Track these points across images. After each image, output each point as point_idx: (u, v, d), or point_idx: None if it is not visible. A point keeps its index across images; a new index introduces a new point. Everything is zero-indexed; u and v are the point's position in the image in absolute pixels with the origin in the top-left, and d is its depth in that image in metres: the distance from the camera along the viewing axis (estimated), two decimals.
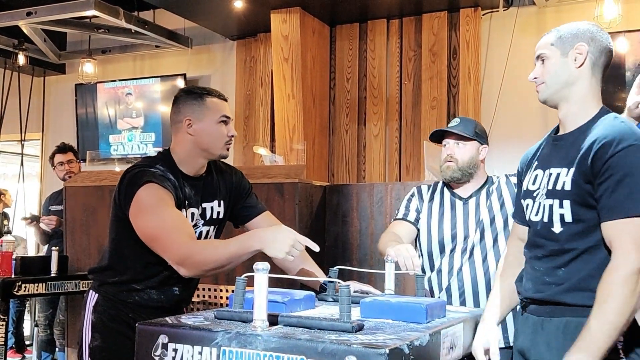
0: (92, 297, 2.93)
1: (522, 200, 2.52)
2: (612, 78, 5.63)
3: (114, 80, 8.22)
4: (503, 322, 3.34)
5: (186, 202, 2.86)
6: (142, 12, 7.49)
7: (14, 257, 5.01)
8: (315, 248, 2.49)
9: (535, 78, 2.42)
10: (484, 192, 3.46)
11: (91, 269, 3.05)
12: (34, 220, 5.97)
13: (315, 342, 1.84)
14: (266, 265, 1.97)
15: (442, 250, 3.44)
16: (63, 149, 6.05)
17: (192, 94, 2.93)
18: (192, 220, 2.89)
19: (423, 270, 3.46)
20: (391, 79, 6.68)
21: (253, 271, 1.98)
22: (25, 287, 4.82)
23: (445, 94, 6.36)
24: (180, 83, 7.60)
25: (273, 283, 2.23)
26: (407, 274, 2.95)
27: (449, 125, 3.50)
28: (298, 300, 2.34)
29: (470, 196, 3.47)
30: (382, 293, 2.79)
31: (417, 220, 3.52)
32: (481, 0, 6.23)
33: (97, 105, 8.27)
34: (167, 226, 2.59)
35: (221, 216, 3.05)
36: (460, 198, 3.49)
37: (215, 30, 7.39)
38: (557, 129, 2.47)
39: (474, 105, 6.23)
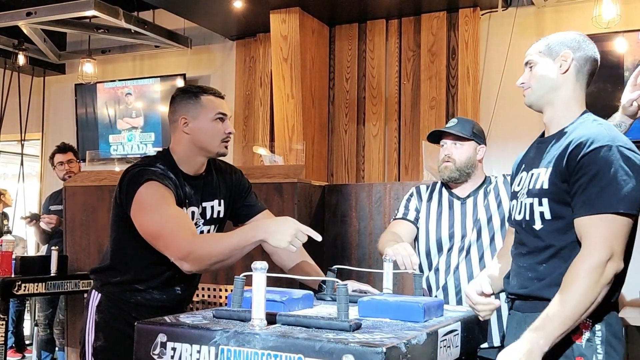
0: (95, 297, 2.94)
1: (510, 202, 2.65)
2: (611, 78, 5.64)
3: (114, 80, 8.22)
4: (499, 323, 3.36)
5: (186, 201, 2.87)
6: (141, 12, 7.49)
7: (13, 256, 5.02)
8: (318, 237, 2.50)
9: (523, 83, 2.55)
10: (481, 191, 3.48)
11: (93, 269, 3.05)
12: (34, 219, 5.98)
13: (313, 340, 1.85)
14: (264, 264, 1.98)
15: (439, 249, 3.46)
16: (63, 148, 6.06)
17: (188, 92, 2.94)
18: (193, 219, 2.90)
19: (421, 270, 3.47)
20: (390, 79, 6.69)
21: (252, 270, 1.99)
22: (25, 286, 4.83)
23: (444, 94, 6.37)
24: (179, 83, 7.60)
25: (272, 282, 2.25)
26: (405, 273, 2.96)
27: (447, 125, 3.52)
28: (296, 300, 2.35)
29: (468, 196, 3.49)
30: (380, 292, 2.80)
31: (417, 219, 3.54)
32: (480, 1, 6.24)
33: (97, 105, 8.28)
34: (169, 223, 2.60)
35: (221, 215, 3.06)
36: (458, 198, 3.51)
37: (214, 31, 7.40)
38: (543, 133, 2.58)
39: (473, 105, 6.23)
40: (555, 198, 2.35)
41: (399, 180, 6.39)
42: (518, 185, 2.57)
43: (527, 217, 2.46)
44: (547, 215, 2.38)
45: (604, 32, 5.68)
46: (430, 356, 2.10)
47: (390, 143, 6.62)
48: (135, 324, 2.12)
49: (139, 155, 7.84)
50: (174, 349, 2.02)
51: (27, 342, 7.72)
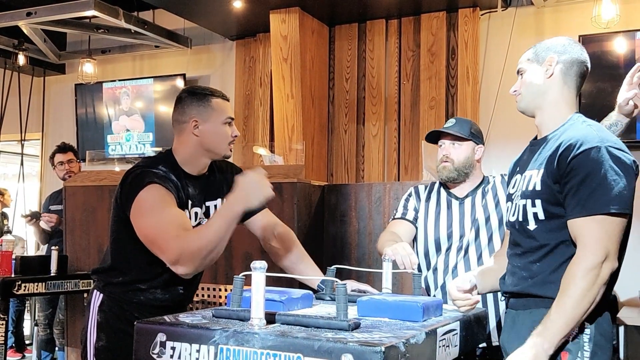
0: (97, 298, 2.94)
1: (506, 204, 2.69)
2: (610, 77, 5.64)
3: (114, 80, 8.23)
4: (497, 322, 3.37)
5: (189, 201, 2.87)
6: (141, 12, 7.50)
7: (13, 256, 5.03)
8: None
9: (515, 91, 2.61)
10: (479, 191, 3.49)
11: (95, 269, 3.06)
12: (34, 217, 5.98)
13: (312, 340, 1.85)
14: (263, 264, 1.99)
15: (438, 249, 3.46)
16: (63, 148, 6.07)
17: (197, 94, 2.93)
18: (196, 220, 2.91)
19: (419, 269, 3.48)
20: (390, 79, 6.69)
21: (251, 270, 2.00)
22: (25, 286, 4.83)
23: (444, 94, 6.37)
24: (179, 83, 7.60)
25: (272, 282, 2.25)
26: (404, 273, 2.96)
27: (445, 125, 3.53)
28: (295, 299, 2.36)
29: (467, 196, 3.50)
30: (380, 292, 2.80)
31: (416, 219, 3.55)
32: (480, 1, 6.24)
33: (96, 105, 8.28)
34: (164, 227, 2.60)
35: None
36: (457, 198, 3.51)
37: (214, 31, 7.40)
38: (536, 136, 2.63)
39: (472, 105, 6.24)
40: (548, 199, 2.39)
41: (398, 180, 6.39)
42: (513, 187, 2.62)
43: (521, 218, 2.49)
44: (541, 216, 2.41)
45: (604, 32, 5.69)
46: (429, 356, 2.11)
47: (390, 143, 6.62)
48: (135, 323, 2.13)
49: (137, 156, 7.85)
50: (173, 349, 2.02)
51: (27, 342, 7.72)
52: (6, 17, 6.93)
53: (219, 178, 3.05)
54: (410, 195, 3.66)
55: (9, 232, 6.85)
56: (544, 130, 2.56)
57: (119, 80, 8.20)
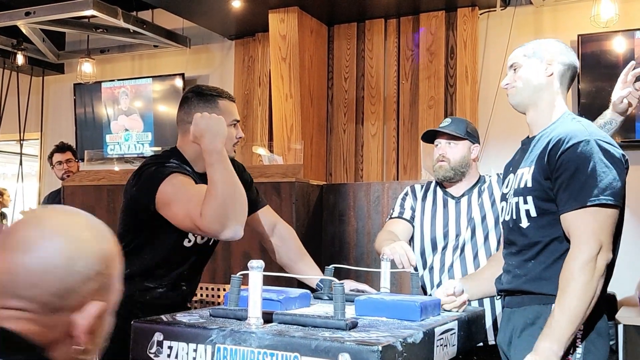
0: None
1: (500, 204, 2.72)
2: (609, 77, 5.63)
3: (113, 80, 8.22)
4: (494, 321, 3.38)
5: None
6: (140, 12, 7.49)
7: None
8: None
9: (507, 84, 2.63)
10: (475, 190, 3.50)
11: None
12: None
13: (309, 339, 1.86)
14: (261, 263, 1.99)
15: (434, 248, 3.47)
16: (62, 148, 6.07)
17: (204, 95, 2.92)
18: None
19: (416, 269, 3.49)
20: (389, 78, 6.69)
21: (248, 269, 2.00)
22: None
23: (443, 94, 6.37)
24: (178, 83, 7.60)
25: (271, 281, 2.25)
26: (403, 272, 2.97)
27: (441, 125, 3.55)
28: (293, 299, 2.36)
29: (463, 195, 3.51)
30: (378, 291, 2.81)
31: (413, 218, 3.56)
32: (478, 0, 6.24)
33: (95, 104, 8.28)
34: (193, 203, 2.57)
35: None
36: (453, 197, 3.52)
37: (213, 30, 7.40)
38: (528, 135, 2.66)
39: (471, 105, 6.24)
40: (540, 195, 2.40)
41: (397, 180, 6.39)
42: (506, 187, 2.64)
43: (514, 217, 2.51)
44: (533, 213, 2.43)
45: (602, 31, 5.69)
46: (426, 355, 2.11)
47: (389, 142, 6.62)
48: (132, 322, 2.13)
49: (136, 155, 7.85)
50: (170, 348, 2.02)
51: None
52: (5, 16, 6.92)
53: None
54: (406, 194, 3.67)
55: None
56: (535, 128, 2.59)
57: (118, 80, 8.19)
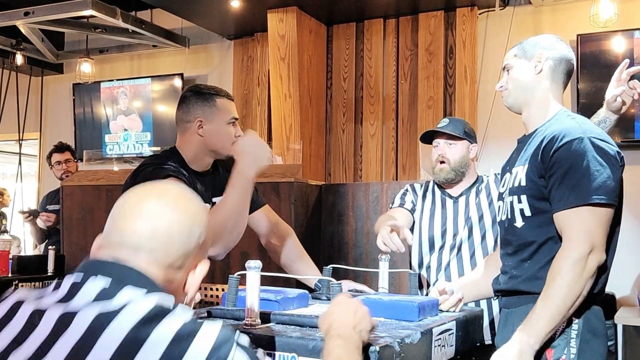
0: None
1: (497, 203, 2.71)
2: (608, 77, 5.60)
3: (112, 80, 8.21)
4: (491, 321, 3.38)
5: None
6: (139, 12, 7.48)
7: (10, 256, 5.02)
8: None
9: (501, 87, 2.64)
10: (473, 190, 3.51)
11: None
12: (32, 215, 5.97)
13: (307, 339, 1.85)
14: (258, 263, 1.99)
15: (431, 247, 3.48)
16: (60, 148, 6.07)
17: (202, 94, 2.92)
18: None
19: (411, 267, 3.52)
20: (388, 78, 6.68)
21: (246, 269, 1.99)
22: (22, 286, 4.82)
23: (442, 94, 6.37)
24: (177, 83, 7.59)
25: (270, 282, 2.25)
26: (401, 273, 2.97)
27: (438, 125, 3.56)
28: (291, 299, 2.36)
29: (461, 194, 3.52)
30: (376, 292, 2.80)
31: (414, 210, 3.56)
32: (477, 0, 6.23)
33: (94, 104, 8.27)
34: None
35: None
36: (451, 196, 3.53)
37: (212, 30, 7.39)
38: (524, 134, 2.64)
39: (470, 105, 6.23)
40: (534, 194, 2.38)
41: (396, 180, 6.39)
42: (503, 186, 2.62)
43: (509, 216, 2.49)
44: (527, 212, 2.40)
45: (602, 31, 5.69)
46: (424, 355, 2.11)
47: (388, 142, 6.62)
48: None
49: (135, 155, 7.84)
50: None
51: None
52: (4, 16, 6.92)
53: (223, 174, 3.05)
54: (407, 190, 3.68)
55: (6, 231, 6.84)
56: (530, 126, 2.56)
57: (117, 79, 8.18)
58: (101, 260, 1.44)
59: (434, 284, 3.39)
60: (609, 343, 5.07)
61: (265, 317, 2.07)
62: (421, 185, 3.69)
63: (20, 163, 8.99)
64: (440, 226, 3.48)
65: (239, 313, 2.11)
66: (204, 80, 7.63)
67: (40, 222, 5.89)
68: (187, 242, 1.49)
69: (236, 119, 2.95)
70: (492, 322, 3.33)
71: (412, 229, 3.58)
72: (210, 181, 2.99)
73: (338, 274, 2.96)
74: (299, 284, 3.22)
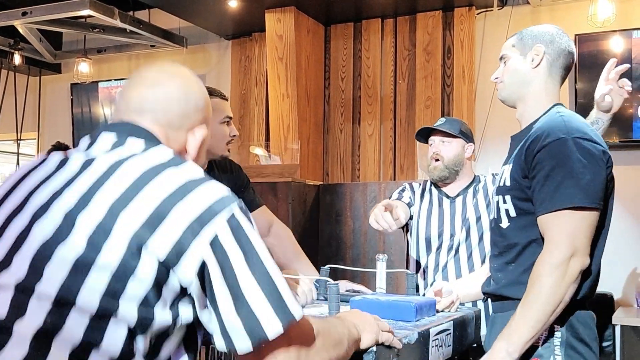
0: None
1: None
2: None
3: (110, 80, 8.21)
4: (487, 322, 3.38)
5: None
6: (137, 12, 7.48)
7: None
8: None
9: (497, 78, 2.55)
10: (471, 190, 3.50)
11: None
12: None
13: None
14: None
15: (428, 247, 3.48)
16: (58, 148, 6.06)
17: None
18: None
19: (408, 267, 3.51)
20: (385, 78, 6.68)
21: None
22: None
23: (440, 93, 6.37)
24: None
25: None
26: (399, 273, 2.96)
27: (435, 124, 3.56)
28: None
29: (458, 195, 3.51)
30: (373, 292, 2.80)
31: (411, 205, 3.57)
32: (475, 0, 6.23)
33: (92, 104, 8.26)
34: None
35: None
36: (448, 197, 3.53)
37: (210, 30, 7.39)
38: None
39: (468, 105, 6.23)
40: (517, 195, 2.30)
41: (394, 180, 6.39)
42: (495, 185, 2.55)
43: (496, 216, 2.43)
44: (512, 213, 2.33)
45: (600, 31, 5.69)
46: (421, 355, 2.10)
47: (386, 142, 6.62)
48: None
49: None
50: None
51: None
52: (2, 16, 6.91)
53: (218, 175, 3.04)
54: (405, 187, 3.69)
55: None
56: (523, 123, 2.48)
57: (115, 79, 8.18)
58: (111, 122, 1.64)
59: (431, 285, 3.39)
60: (607, 344, 5.07)
61: None
62: (419, 185, 3.69)
63: (18, 163, 8.98)
64: (437, 227, 3.48)
65: None
66: (202, 80, 7.59)
67: None
68: (185, 104, 1.68)
69: (230, 118, 2.94)
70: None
71: (408, 224, 3.58)
72: None
73: (335, 274, 2.95)
74: None
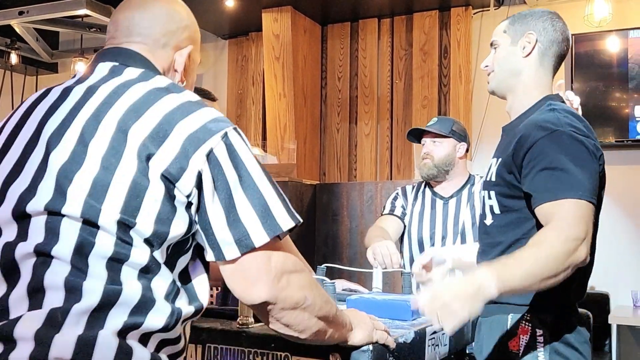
0: None
1: None
2: (603, 77, 5.66)
3: None
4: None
5: None
6: None
7: None
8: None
9: (487, 66, 2.38)
10: (465, 191, 3.50)
11: None
12: None
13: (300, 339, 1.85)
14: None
15: (421, 248, 3.48)
16: None
17: None
18: None
19: (403, 265, 3.51)
20: (382, 78, 6.69)
21: None
22: None
23: (436, 93, 6.37)
24: None
25: None
26: (395, 272, 2.97)
27: (427, 124, 3.57)
28: None
29: (452, 196, 3.51)
30: (370, 291, 2.80)
31: (404, 215, 3.57)
32: (472, 0, 6.24)
33: None
34: None
35: None
36: (442, 197, 3.53)
37: (207, 30, 7.37)
38: None
39: (465, 104, 6.23)
40: (502, 191, 2.18)
41: (390, 179, 6.39)
42: None
43: (482, 212, 2.30)
44: (496, 210, 2.20)
45: (596, 30, 5.69)
46: (418, 355, 2.11)
47: (382, 142, 6.62)
48: None
49: None
50: None
51: None
52: None
53: None
54: (397, 194, 3.69)
55: None
56: (513, 115, 2.35)
57: None
58: (105, 48, 1.76)
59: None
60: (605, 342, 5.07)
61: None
62: (412, 187, 3.70)
63: None
64: (429, 228, 3.48)
65: (232, 312, 2.10)
66: (198, 79, 7.61)
67: None
68: (169, 22, 1.76)
69: None
70: None
71: (402, 235, 3.59)
72: None
73: (332, 274, 2.95)
74: None
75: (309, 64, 6.68)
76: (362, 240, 4.58)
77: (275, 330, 1.62)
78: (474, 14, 6.41)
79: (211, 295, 4.48)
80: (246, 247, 1.47)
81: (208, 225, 1.49)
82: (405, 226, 3.58)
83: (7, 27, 7.26)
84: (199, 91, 2.95)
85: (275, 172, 4.50)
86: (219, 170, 1.48)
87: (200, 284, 1.60)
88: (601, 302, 5.22)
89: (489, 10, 6.29)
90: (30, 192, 1.47)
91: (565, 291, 2.07)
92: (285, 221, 1.53)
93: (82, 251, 1.42)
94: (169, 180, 1.45)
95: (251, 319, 1.98)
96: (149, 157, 1.45)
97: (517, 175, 2.12)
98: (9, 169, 1.54)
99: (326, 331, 1.69)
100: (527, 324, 2.09)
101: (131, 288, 1.43)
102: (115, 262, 1.43)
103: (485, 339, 2.20)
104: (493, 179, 2.22)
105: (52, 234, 1.43)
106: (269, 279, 1.50)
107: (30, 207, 1.45)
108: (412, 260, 3.52)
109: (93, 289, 1.40)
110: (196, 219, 1.50)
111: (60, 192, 1.44)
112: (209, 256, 1.52)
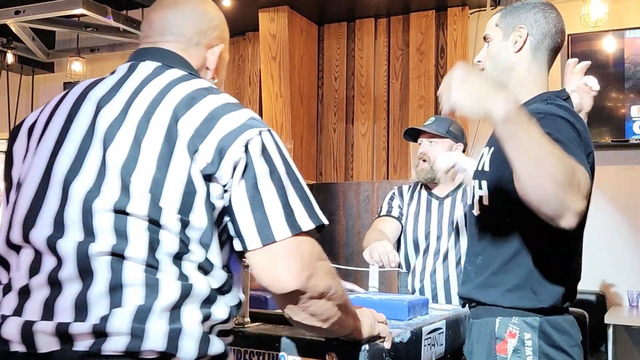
0: None
1: None
2: (599, 77, 5.61)
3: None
4: None
5: None
6: (130, 11, 7.47)
7: None
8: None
9: (479, 62, 2.28)
10: (460, 191, 3.50)
11: None
12: None
13: (296, 338, 1.85)
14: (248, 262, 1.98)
15: (416, 249, 3.48)
16: None
17: None
18: None
19: (400, 265, 3.50)
20: (379, 77, 6.69)
21: None
22: None
23: (433, 93, 6.36)
24: None
25: None
26: (392, 272, 2.97)
27: (424, 124, 3.56)
28: None
29: (447, 196, 3.51)
30: (366, 291, 2.80)
31: (401, 215, 3.56)
32: (469, 0, 6.24)
33: None
34: None
35: None
36: (437, 198, 3.53)
37: None
38: None
39: None
40: (493, 181, 2.08)
41: (387, 179, 6.39)
42: None
43: (470, 202, 2.23)
44: (485, 201, 2.11)
45: (592, 31, 5.70)
46: (414, 354, 2.11)
47: (379, 142, 6.62)
48: None
49: None
50: None
51: None
52: None
53: None
54: (393, 194, 3.69)
55: None
56: None
57: None
58: (142, 47, 1.82)
59: (419, 290, 3.38)
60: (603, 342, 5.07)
61: (254, 316, 2.07)
62: (409, 187, 3.69)
63: None
64: (424, 229, 3.48)
65: None
66: None
67: None
68: (201, 22, 1.83)
69: None
70: None
71: (400, 236, 3.58)
72: None
73: None
74: None
75: (306, 63, 6.68)
76: (358, 240, 4.58)
77: (299, 322, 1.64)
78: (470, 13, 6.41)
79: None
80: (267, 238, 1.53)
81: (232, 212, 1.54)
82: (402, 226, 3.57)
83: (3, 26, 7.25)
84: None
85: None
86: (250, 160, 1.54)
87: (238, 278, 1.66)
88: (597, 302, 5.22)
89: (485, 10, 6.29)
90: (94, 191, 1.52)
91: (554, 295, 2.03)
92: (304, 220, 1.59)
93: (152, 249, 1.49)
94: (210, 175, 1.52)
95: (247, 319, 1.99)
96: (195, 152, 1.51)
97: None
98: (69, 166, 1.57)
99: (343, 320, 1.72)
100: (515, 327, 2.03)
101: (199, 283, 1.51)
102: (179, 259, 1.51)
103: (475, 343, 2.14)
104: (486, 168, 2.13)
105: (121, 233, 1.49)
106: (298, 268, 1.54)
107: (96, 206, 1.50)
108: (407, 260, 3.52)
109: (169, 284, 1.48)
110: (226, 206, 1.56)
111: (125, 191, 1.50)
112: (237, 245, 1.57)
